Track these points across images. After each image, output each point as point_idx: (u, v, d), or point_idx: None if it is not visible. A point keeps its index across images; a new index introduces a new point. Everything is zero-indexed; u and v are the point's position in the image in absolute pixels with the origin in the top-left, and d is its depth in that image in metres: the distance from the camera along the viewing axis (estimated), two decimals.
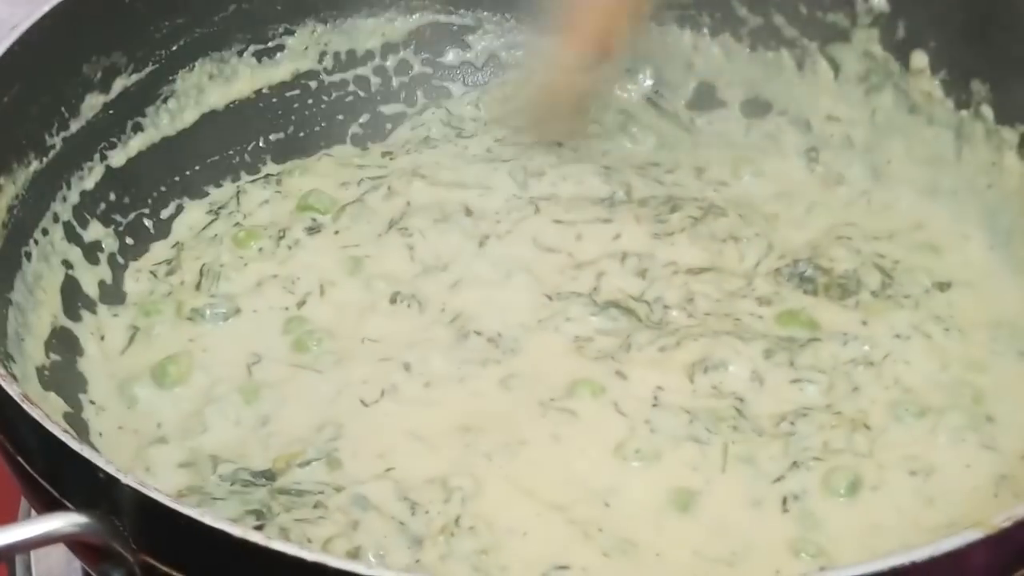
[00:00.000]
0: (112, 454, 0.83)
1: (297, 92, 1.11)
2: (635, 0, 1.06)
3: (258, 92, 1.09)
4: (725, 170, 1.08)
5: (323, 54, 1.11)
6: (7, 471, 0.75)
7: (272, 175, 1.08)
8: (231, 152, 1.08)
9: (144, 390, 0.91)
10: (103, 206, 0.99)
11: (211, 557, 0.63)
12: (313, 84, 1.12)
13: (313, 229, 1.02)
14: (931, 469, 0.84)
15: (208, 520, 0.61)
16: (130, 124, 1.01)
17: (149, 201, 1.03)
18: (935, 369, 0.90)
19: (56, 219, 0.95)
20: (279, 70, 1.10)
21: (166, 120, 1.03)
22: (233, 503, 0.82)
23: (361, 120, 1.13)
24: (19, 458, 0.71)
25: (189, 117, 1.05)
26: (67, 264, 0.95)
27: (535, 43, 1.11)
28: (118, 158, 1.00)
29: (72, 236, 0.96)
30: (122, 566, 0.66)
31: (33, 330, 0.89)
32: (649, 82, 1.14)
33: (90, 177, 0.98)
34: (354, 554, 0.78)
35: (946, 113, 1.00)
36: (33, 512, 0.79)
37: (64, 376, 0.90)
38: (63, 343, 0.91)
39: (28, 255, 0.91)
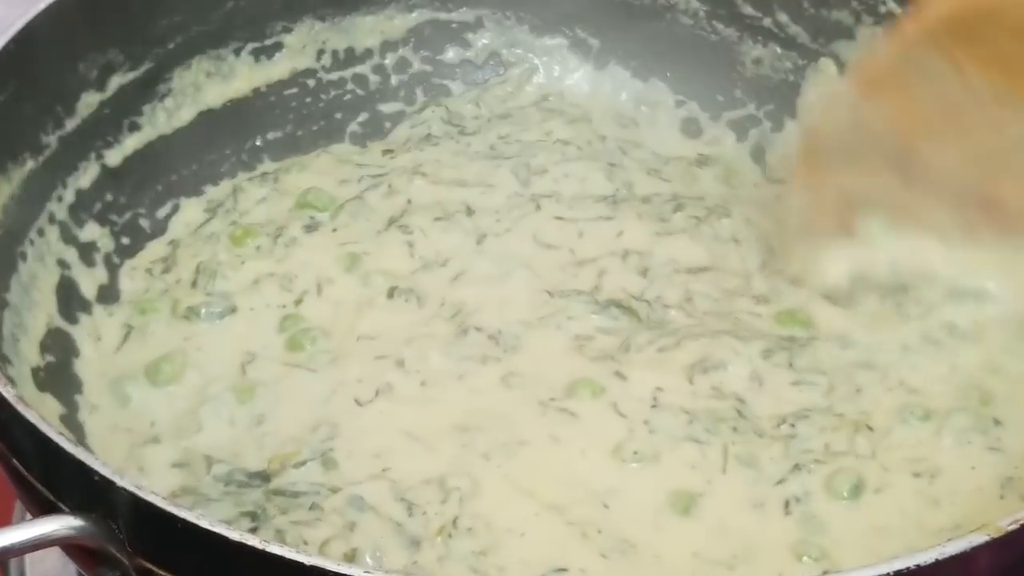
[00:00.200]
0: (105, 454, 0.83)
1: (295, 90, 1.11)
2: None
3: (256, 90, 1.09)
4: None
5: (321, 52, 1.11)
6: (2, 474, 0.74)
7: (269, 173, 1.07)
8: (228, 151, 1.07)
9: (137, 389, 0.90)
10: (99, 206, 0.99)
11: (207, 560, 0.63)
12: (311, 82, 1.11)
13: (311, 227, 1.02)
14: (936, 471, 0.83)
15: (205, 523, 0.61)
16: (126, 123, 1.01)
17: (145, 200, 1.02)
18: (944, 372, 0.90)
19: (52, 219, 0.94)
20: (277, 68, 1.09)
21: (163, 119, 1.03)
22: (227, 504, 0.81)
23: (360, 119, 1.13)
24: (14, 461, 0.71)
25: (186, 115, 1.04)
26: (63, 264, 0.94)
27: None
28: (114, 157, 1.00)
29: (68, 236, 0.95)
30: (118, 569, 0.66)
31: (28, 331, 0.89)
32: None
33: (86, 176, 0.98)
34: (351, 556, 0.77)
35: None
36: (28, 515, 0.79)
37: (59, 377, 0.89)
38: (58, 344, 0.91)
39: (23, 255, 0.91)
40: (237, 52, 1.07)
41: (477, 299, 0.95)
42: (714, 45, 1.12)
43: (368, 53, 1.13)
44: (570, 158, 1.08)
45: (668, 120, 1.13)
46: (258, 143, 1.09)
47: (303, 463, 0.84)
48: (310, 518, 0.80)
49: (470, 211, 1.02)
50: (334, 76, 1.12)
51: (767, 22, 1.09)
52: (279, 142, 1.10)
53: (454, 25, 1.15)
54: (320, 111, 1.12)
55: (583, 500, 0.82)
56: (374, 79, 1.14)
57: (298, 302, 0.96)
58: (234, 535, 0.60)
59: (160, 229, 1.03)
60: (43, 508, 0.69)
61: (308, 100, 1.11)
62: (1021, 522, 0.62)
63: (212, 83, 1.06)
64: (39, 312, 0.90)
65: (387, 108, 1.14)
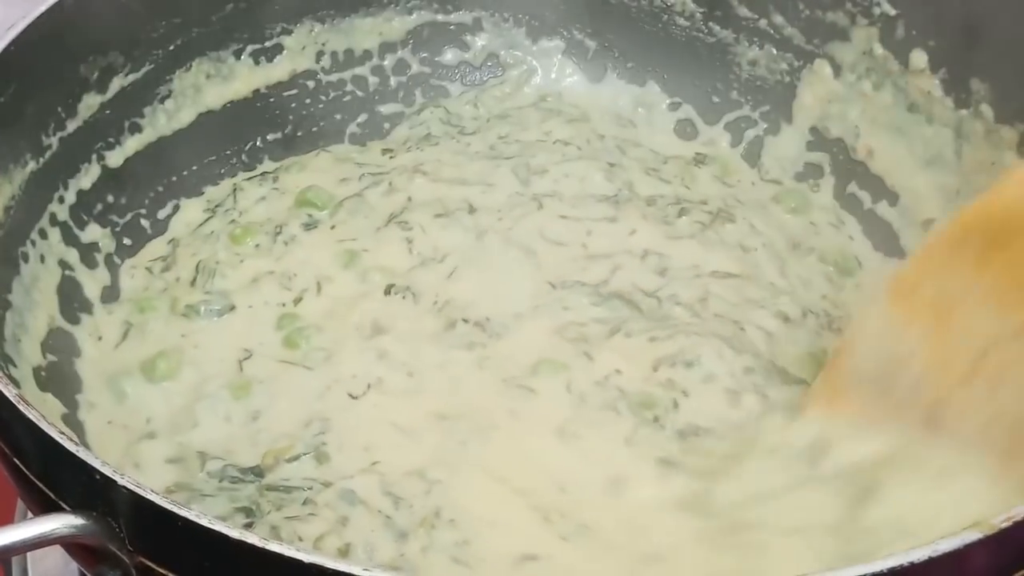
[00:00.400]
0: (102, 451, 0.83)
1: (295, 92, 1.11)
2: None
3: (255, 92, 1.09)
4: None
5: (320, 54, 1.11)
6: (3, 473, 0.75)
7: (269, 172, 1.08)
8: (228, 152, 1.08)
9: (133, 385, 0.91)
10: (100, 207, 0.99)
11: (207, 558, 0.63)
12: (311, 84, 1.11)
13: (310, 225, 1.02)
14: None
15: (205, 522, 0.61)
16: (127, 124, 1.01)
17: (146, 201, 1.03)
18: None
19: (53, 220, 0.94)
20: (276, 70, 1.09)
21: (163, 120, 1.03)
22: (222, 500, 0.82)
23: (359, 120, 1.13)
24: (16, 460, 0.71)
25: (186, 117, 1.05)
26: (64, 265, 0.95)
27: None
28: (115, 158, 1.00)
29: (69, 237, 0.96)
30: (118, 567, 0.66)
31: (30, 331, 0.89)
32: None
33: (87, 177, 0.98)
34: (344, 551, 0.78)
35: (945, 112, 1.00)
36: (30, 514, 0.79)
37: (61, 377, 0.89)
38: (60, 344, 0.91)
39: (25, 256, 0.91)
40: (237, 54, 1.07)
41: (473, 293, 0.96)
42: (710, 47, 1.13)
43: (367, 55, 1.13)
44: (570, 158, 1.08)
45: (664, 122, 1.14)
46: (258, 144, 1.09)
47: (296, 457, 0.84)
48: (303, 513, 0.80)
49: (472, 209, 1.03)
50: (333, 77, 1.12)
51: (763, 24, 1.10)
52: (279, 143, 1.10)
53: (452, 27, 1.15)
54: (319, 112, 1.12)
55: (543, 483, 0.82)
56: (373, 80, 1.14)
57: (297, 300, 0.96)
58: (234, 533, 0.60)
59: (161, 230, 1.03)
60: (44, 507, 0.69)
61: (307, 101, 1.12)
62: (1014, 519, 0.62)
63: (212, 85, 1.06)
64: (41, 313, 0.91)
65: (386, 109, 1.14)
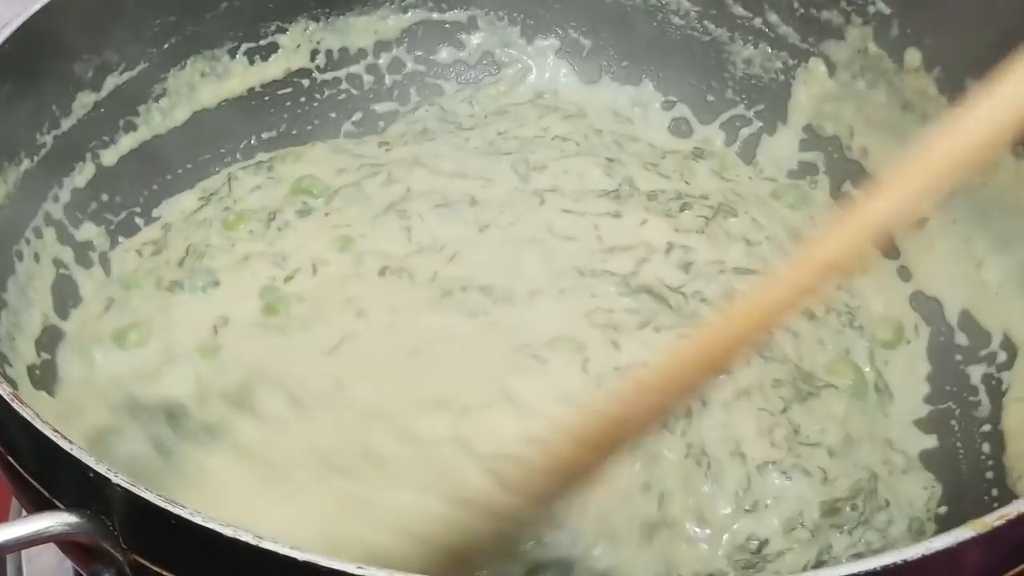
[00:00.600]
0: (74, 415, 0.83)
1: (289, 90, 1.11)
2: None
3: (250, 90, 1.09)
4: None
5: (315, 52, 1.11)
6: None
7: (264, 162, 1.07)
8: (223, 150, 1.08)
9: (104, 352, 0.90)
10: (94, 205, 0.99)
11: (201, 556, 0.63)
12: (305, 82, 1.11)
13: (304, 212, 1.02)
14: None
15: (198, 519, 0.61)
16: (122, 122, 1.01)
17: (141, 200, 1.03)
18: None
19: (48, 219, 0.94)
20: (271, 68, 1.09)
21: (158, 118, 1.03)
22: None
23: (354, 118, 1.13)
24: (10, 458, 0.71)
25: (181, 115, 1.05)
26: (59, 263, 0.95)
27: None
28: (110, 156, 1.00)
29: (64, 235, 0.96)
30: (112, 565, 0.66)
31: (25, 330, 0.89)
32: None
33: (81, 176, 0.98)
34: None
35: (940, 111, 1.00)
36: (24, 512, 0.79)
37: (55, 374, 0.89)
38: (54, 341, 0.91)
39: (20, 255, 0.91)
40: (232, 52, 1.07)
41: (477, 271, 0.95)
42: (705, 45, 1.13)
43: (362, 53, 1.13)
44: (569, 154, 1.08)
45: (659, 120, 1.14)
46: (252, 142, 1.09)
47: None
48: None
49: (473, 201, 1.02)
50: (328, 76, 1.12)
51: (757, 22, 1.10)
52: (273, 141, 1.10)
53: (447, 25, 1.15)
54: (314, 111, 1.12)
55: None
56: (368, 79, 1.14)
57: (288, 278, 0.95)
58: (227, 531, 0.60)
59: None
60: (38, 505, 0.69)
61: (302, 100, 1.12)
62: (1008, 518, 0.62)
63: (207, 83, 1.06)
64: (35, 311, 0.91)
65: (381, 108, 1.14)
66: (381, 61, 1.14)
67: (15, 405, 0.67)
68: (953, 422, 0.92)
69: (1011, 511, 0.62)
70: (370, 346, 0.88)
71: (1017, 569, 0.66)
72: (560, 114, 1.13)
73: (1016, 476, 0.85)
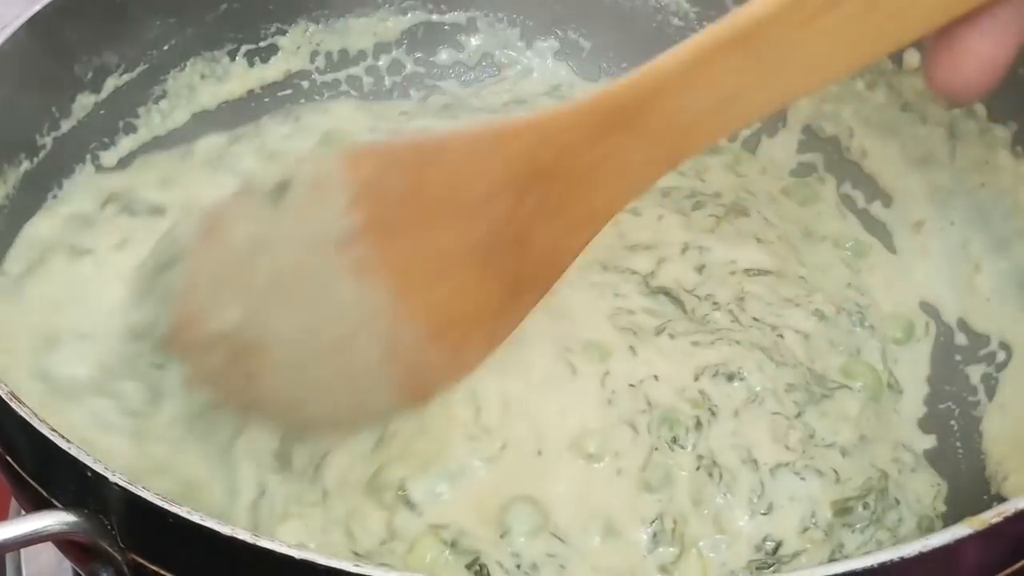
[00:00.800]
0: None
1: (289, 92, 1.11)
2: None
3: (250, 92, 1.09)
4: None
5: (315, 54, 1.11)
6: None
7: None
8: None
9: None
10: None
11: (198, 555, 0.63)
12: (305, 84, 1.12)
13: None
14: None
15: (196, 518, 0.61)
16: (122, 124, 1.01)
17: None
18: None
19: None
20: (271, 70, 1.10)
21: (157, 120, 1.04)
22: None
23: None
24: (7, 457, 0.71)
25: (180, 117, 1.05)
26: None
27: None
28: (109, 158, 1.00)
29: None
30: (111, 564, 0.66)
31: None
32: None
33: (81, 177, 0.98)
34: None
35: (938, 111, 1.00)
36: (22, 511, 0.79)
37: None
38: None
39: None
40: (231, 54, 1.07)
41: None
42: None
43: (362, 55, 1.13)
44: None
45: None
46: None
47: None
48: None
49: None
50: (328, 78, 1.13)
51: None
52: None
53: (447, 27, 1.15)
54: None
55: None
56: (368, 80, 1.14)
57: None
58: (225, 529, 0.60)
59: None
60: (37, 504, 0.69)
61: (302, 102, 1.12)
62: (1005, 515, 0.62)
63: (206, 85, 1.06)
64: None
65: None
66: (381, 63, 1.14)
67: (13, 404, 0.67)
68: (953, 422, 0.92)
69: (1008, 508, 0.63)
70: None
71: (1015, 566, 0.66)
72: None
73: (1001, 478, 0.85)
